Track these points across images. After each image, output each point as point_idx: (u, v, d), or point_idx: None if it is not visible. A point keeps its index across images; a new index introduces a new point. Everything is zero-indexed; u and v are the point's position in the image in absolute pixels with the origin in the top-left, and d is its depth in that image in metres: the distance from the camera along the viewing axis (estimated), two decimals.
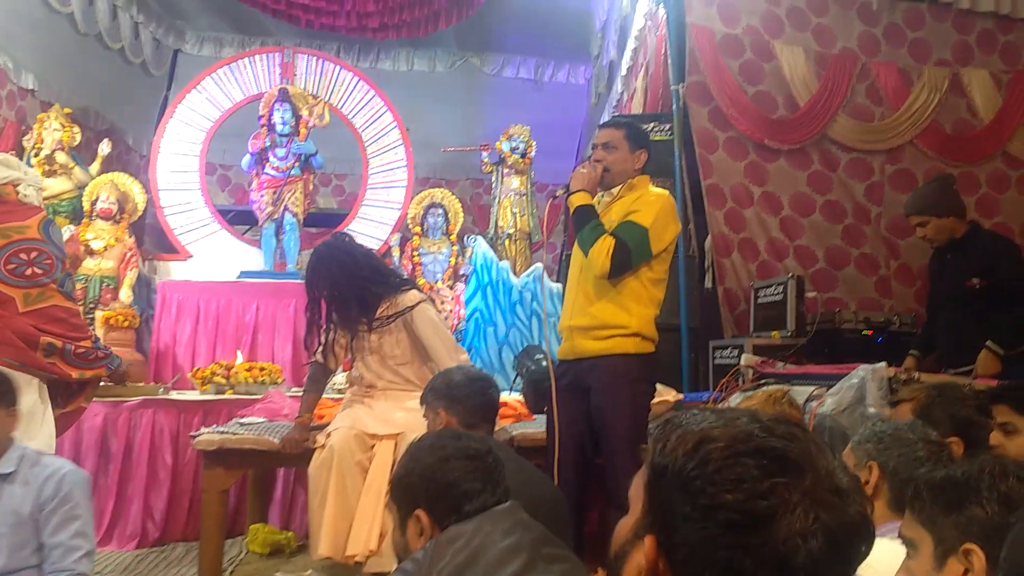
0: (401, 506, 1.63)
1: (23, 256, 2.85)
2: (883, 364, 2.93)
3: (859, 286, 4.84)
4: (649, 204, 2.75)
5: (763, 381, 3.63)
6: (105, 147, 6.21)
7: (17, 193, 2.98)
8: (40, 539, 2.22)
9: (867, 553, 0.80)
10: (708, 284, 4.75)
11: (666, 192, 2.85)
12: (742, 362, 3.84)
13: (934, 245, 3.56)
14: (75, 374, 2.94)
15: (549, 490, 2.39)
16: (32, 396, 2.78)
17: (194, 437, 3.27)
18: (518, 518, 1.54)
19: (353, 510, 2.88)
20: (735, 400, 3.53)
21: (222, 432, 3.22)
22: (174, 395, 4.56)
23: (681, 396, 3.63)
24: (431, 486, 1.58)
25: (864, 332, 4.18)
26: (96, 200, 5.67)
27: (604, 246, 2.67)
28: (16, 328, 2.79)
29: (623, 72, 6.45)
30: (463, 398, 2.40)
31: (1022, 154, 5.14)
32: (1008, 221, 5.04)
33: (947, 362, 3.48)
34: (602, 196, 2.92)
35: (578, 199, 2.81)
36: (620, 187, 2.86)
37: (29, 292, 2.85)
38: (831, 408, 2.99)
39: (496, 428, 3.09)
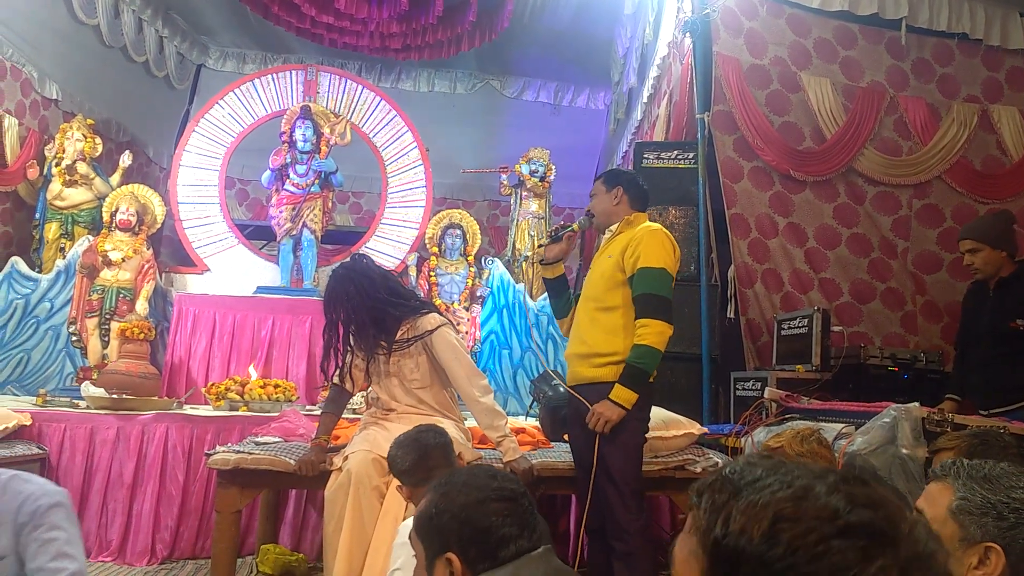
0: (429, 545, 1.53)
1: None
2: (916, 404, 2.87)
3: (884, 321, 4.76)
4: (648, 243, 2.76)
5: (787, 416, 3.57)
6: (126, 159, 6.22)
7: None
8: (25, 572, 2.04)
9: None
10: (730, 314, 4.68)
11: (656, 226, 2.85)
12: (766, 395, 3.78)
13: (976, 276, 3.47)
14: None
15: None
16: None
17: (208, 455, 3.21)
18: (553, 565, 1.47)
19: (369, 536, 2.81)
20: (759, 435, 3.46)
21: (237, 451, 3.15)
22: (187, 410, 4.52)
23: (705, 429, 3.56)
24: (466, 529, 1.48)
25: (890, 369, 4.10)
26: (116, 211, 5.69)
27: (655, 324, 2.68)
28: None
29: (644, 99, 6.43)
30: (401, 465, 2.42)
31: None
32: None
33: (977, 402, 3.40)
34: (603, 235, 3.00)
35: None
36: (617, 224, 2.90)
37: None
38: (861, 447, 2.92)
39: (515, 455, 3.02)
